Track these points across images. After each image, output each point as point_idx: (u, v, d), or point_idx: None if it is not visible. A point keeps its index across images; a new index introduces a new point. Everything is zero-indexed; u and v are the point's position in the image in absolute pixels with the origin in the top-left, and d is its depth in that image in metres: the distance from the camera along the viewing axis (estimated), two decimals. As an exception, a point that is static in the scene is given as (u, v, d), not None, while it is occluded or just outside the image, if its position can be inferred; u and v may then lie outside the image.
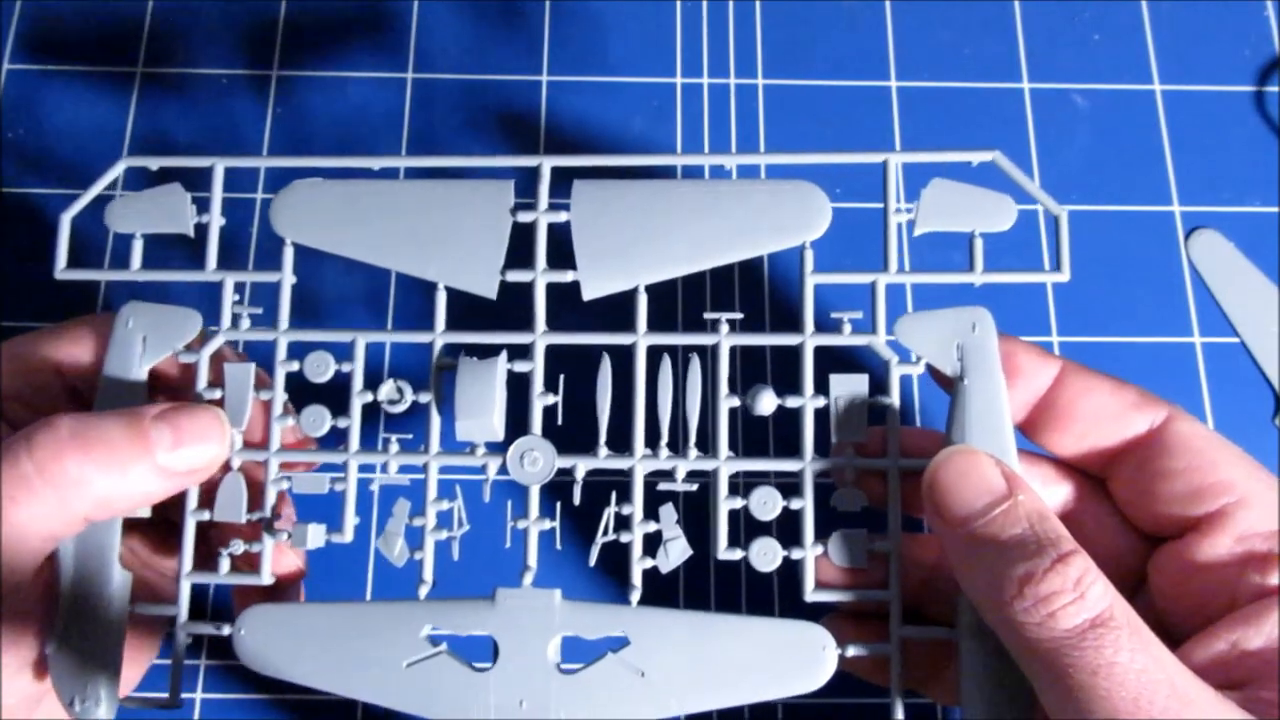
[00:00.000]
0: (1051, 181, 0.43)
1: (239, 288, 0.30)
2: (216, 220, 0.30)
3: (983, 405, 0.27)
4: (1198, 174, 0.43)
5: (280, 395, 0.29)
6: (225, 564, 0.28)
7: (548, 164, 0.29)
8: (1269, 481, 0.26)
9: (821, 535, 0.27)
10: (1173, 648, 0.23)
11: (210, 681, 0.36)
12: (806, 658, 0.26)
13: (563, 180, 0.29)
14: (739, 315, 0.28)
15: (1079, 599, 0.22)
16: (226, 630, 0.27)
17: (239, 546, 0.28)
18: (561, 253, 0.29)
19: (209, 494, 0.28)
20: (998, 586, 0.23)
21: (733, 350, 0.29)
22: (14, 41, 0.45)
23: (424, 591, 0.28)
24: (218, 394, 0.29)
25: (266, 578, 0.28)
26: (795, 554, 0.27)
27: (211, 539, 0.30)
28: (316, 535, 0.28)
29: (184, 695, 0.35)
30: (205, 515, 0.28)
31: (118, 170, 0.30)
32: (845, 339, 0.28)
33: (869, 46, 0.46)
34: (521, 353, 0.29)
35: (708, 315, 0.28)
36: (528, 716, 0.26)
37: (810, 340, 0.28)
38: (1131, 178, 0.43)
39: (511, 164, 0.30)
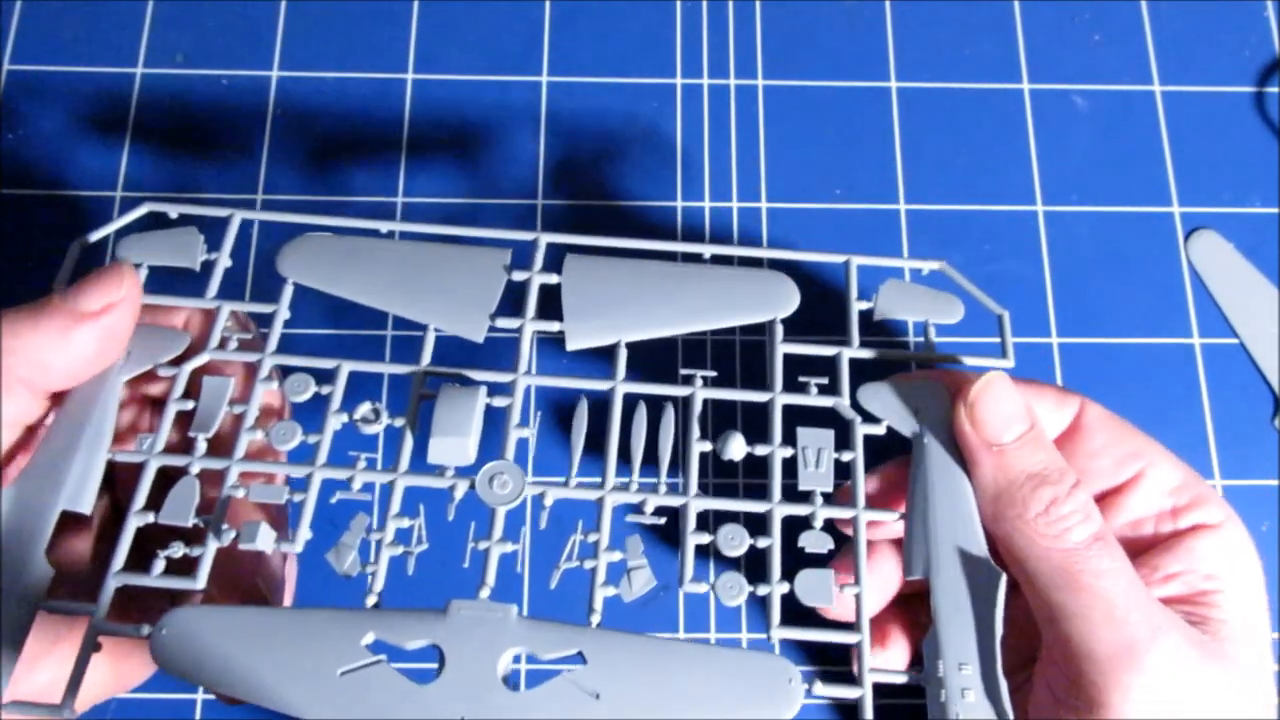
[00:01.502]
0: (1051, 181, 0.43)
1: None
2: (224, 262, 0.32)
3: (942, 461, 0.29)
4: (1198, 174, 0.43)
5: (254, 411, 0.30)
6: (160, 565, 0.27)
7: (544, 239, 0.32)
8: (1163, 447, 0.32)
9: (789, 574, 0.28)
10: None
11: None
12: (772, 690, 0.25)
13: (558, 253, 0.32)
14: (713, 373, 0.31)
15: (1087, 518, 0.28)
16: (146, 630, 0.26)
17: (178, 549, 0.27)
18: (552, 312, 0.31)
19: (157, 498, 0.28)
20: (1024, 503, 0.28)
21: (732, 404, 0.29)
22: (14, 41, 0.45)
23: (371, 602, 0.27)
24: (190, 405, 0.30)
25: (201, 582, 0.27)
26: (761, 590, 0.27)
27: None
28: (266, 538, 0.27)
29: (184, 696, 0.35)
30: (150, 518, 0.28)
31: (139, 212, 0.32)
32: (812, 400, 0.30)
33: (869, 46, 0.46)
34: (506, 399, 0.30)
35: (683, 371, 0.31)
36: None
37: (779, 398, 0.30)
38: (1131, 178, 0.43)
39: (509, 237, 0.33)
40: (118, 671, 0.31)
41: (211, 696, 0.36)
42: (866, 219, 0.43)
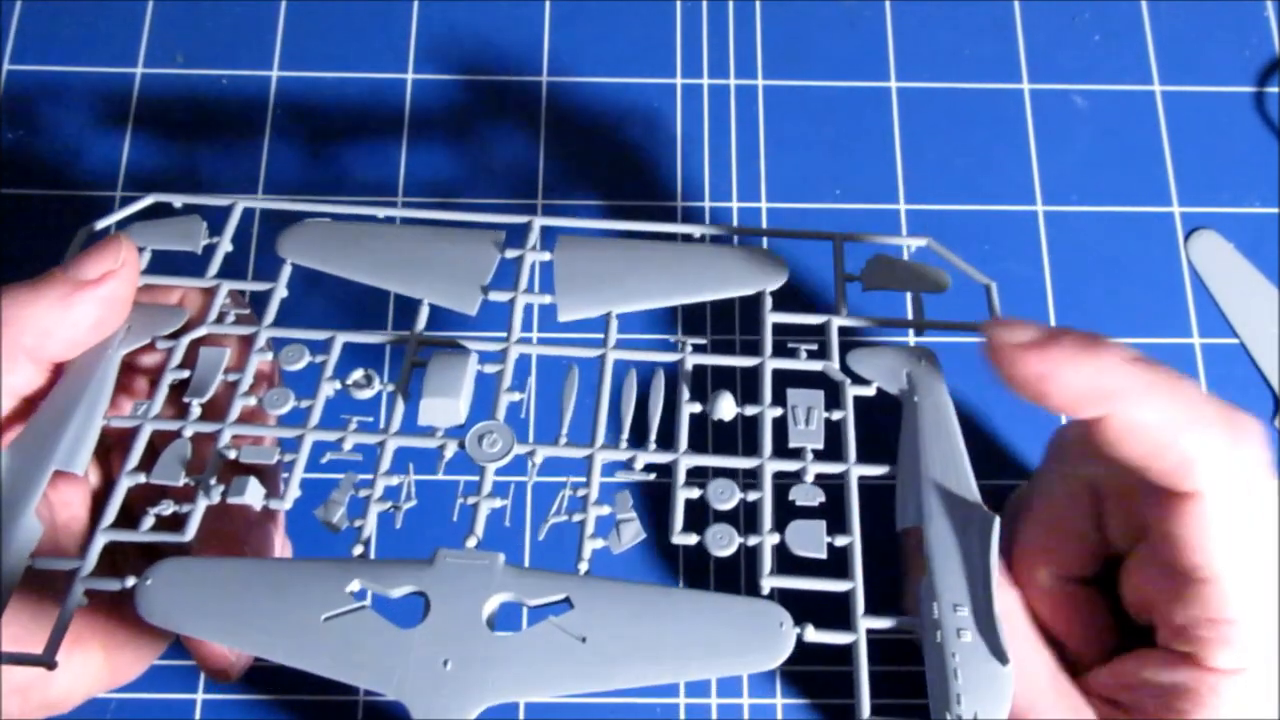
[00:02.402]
0: (1051, 181, 0.43)
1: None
2: (225, 245, 0.33)
3: (934, 417, 0.29)
4: (1198, 174, 0.43)
5: (249, 378, 0.30)
6: (149, 522, 0.28)
7: (538, 222, 0.33)
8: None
9: (779, 530, 0.28)
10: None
11: (211, 681, 0.36)
12: (763, 635, 0.25)
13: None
14: (703, 340, 0.32)
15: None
16: (132, 582, 0.26)
17: (168, 506, 0.28)
18: (547, 288, 0.32)
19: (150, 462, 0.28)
20: None
21: (726, 375, 0.31)
22: (14, 41, 0.45)
23: (357, 551, 0.27)
24: (187, 374, 0.30)
25: (190, 535, 0.27)
26: (751, 540, 0.28)
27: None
28: (255, 493, 0.27)
29: (184, 696, 0.35)
30: (141, 478, 0.28)
31: (145, 203, 0.33)
32: (802, 364, 0.31)
33: (869, 46, 0.46)
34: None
35: (673, 338, 0.32)
36: (451, 678, 0.24)
37: (768, 362, 0.31)
38: (1131, 178, 0.44)
39: (504, 221, 0.33)
40: (112, 666, 0.31)
41: (212, 697, 0.36)
42: (866, 219, 0.43)
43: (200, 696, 0.36)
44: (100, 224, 0.33)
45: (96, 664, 0.30)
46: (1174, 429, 0.25)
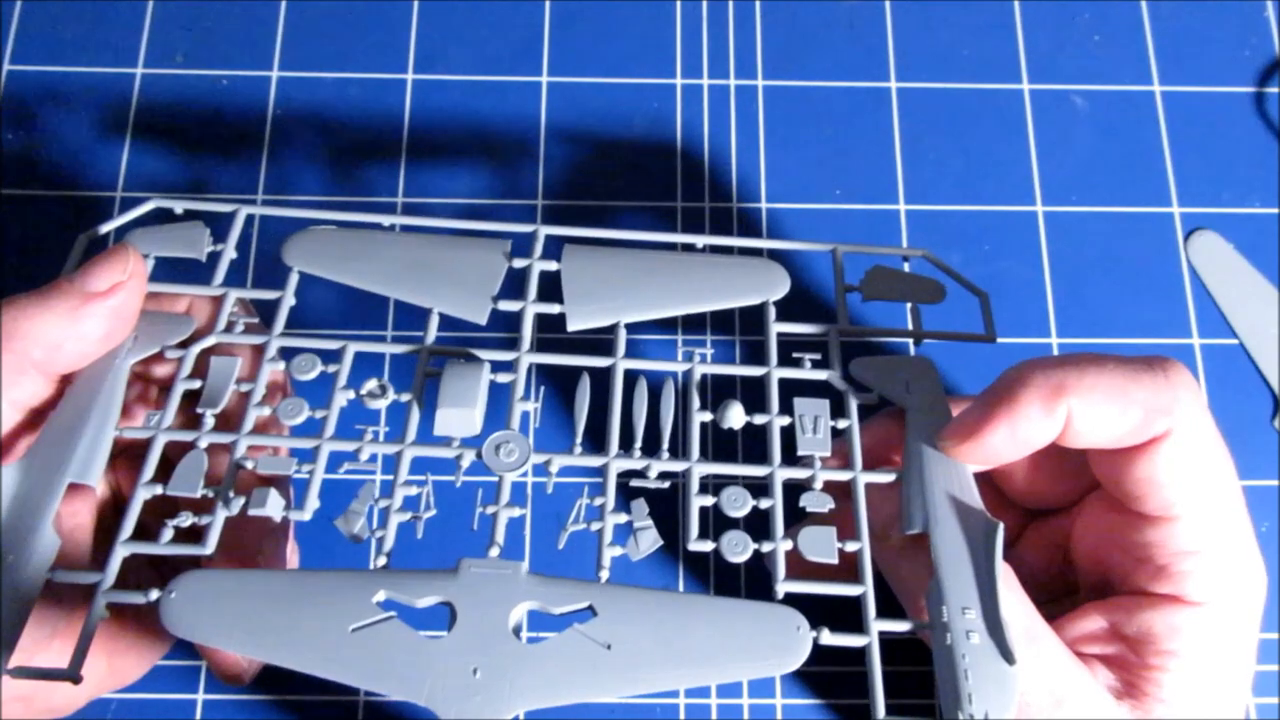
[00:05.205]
0: (1051, 182, 0.43)
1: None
2: (229, 253, 0.33)
3: (935, 426, 0.30)
4: (1198, 175, 0.43)
5: (261, 389, 0.30)
6: (168, 534, 0.27)
7: (543, 231, 0.33)
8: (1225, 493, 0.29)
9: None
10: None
11: (211, 681, 0.36)
12: (781, 639, 0.26)
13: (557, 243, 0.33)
14: (709, 350, 0.33)
15: None
16: (155, 595, 0.26)
17: (186, 518, 0.28)
18: (553, 297, 0.32)
19: (166, 473, 0.28)
20: None
21: (730, 384, 0.31)
22: (14, 41, 0.45)
23: (380, 563, 0.27)
24: (198, 384, 0.30)
25: (210, 547, 0.27)
26: (765, 546, 0.28)
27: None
28: (275, 504, 0.28)
29: (185, 696, 0.36)
30: (158, 489, 0.28)
31: (145, 208, 0.33)
32: (805, 373, 0.32)
33: (869, 46, 0.46)
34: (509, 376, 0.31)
35: (682, 348, 0.32)
36: (481, 686, 0.24)
37: (774, 372, 0.31)
38: (1131, 178, 0.43)
39: (509, 229, 0.34)
40: (113, 668, 0.31)
41: (212, 697, 0.36)
42: (866, 219, 0.43)
43: (201, 697, 0.36)
44: (101, 230, 0.33)
45: (100, 668, 0.30)
46: (1123, 390, 0.27)
